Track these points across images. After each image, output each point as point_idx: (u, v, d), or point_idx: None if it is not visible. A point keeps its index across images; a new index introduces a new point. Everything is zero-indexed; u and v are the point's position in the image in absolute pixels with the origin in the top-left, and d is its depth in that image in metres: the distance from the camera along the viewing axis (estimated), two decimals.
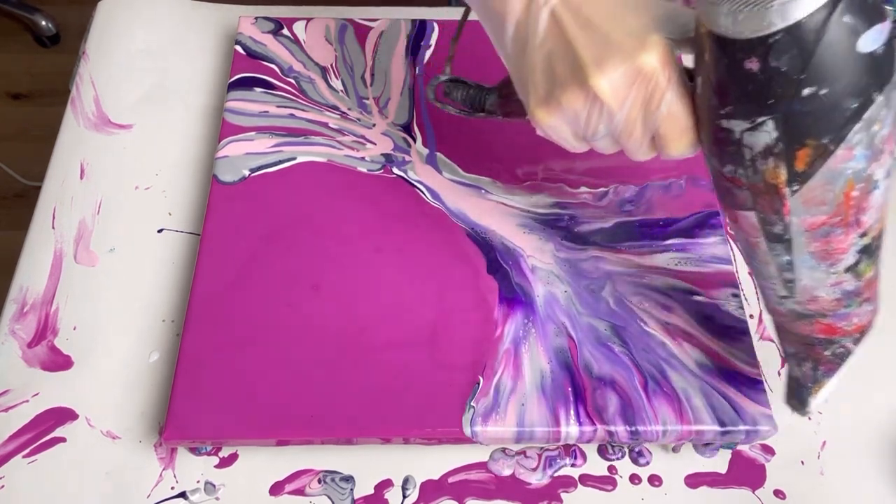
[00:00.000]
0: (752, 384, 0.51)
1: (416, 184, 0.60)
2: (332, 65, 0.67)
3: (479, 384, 0.51)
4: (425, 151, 0.62)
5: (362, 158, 0.61)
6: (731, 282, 0.56)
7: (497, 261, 0.57)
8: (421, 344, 0.53)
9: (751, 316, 0.58)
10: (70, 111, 0.68)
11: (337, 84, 0.65)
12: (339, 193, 0.59)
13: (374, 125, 0.63)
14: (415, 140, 0.63)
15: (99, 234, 0.61)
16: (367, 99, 0.65)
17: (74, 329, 0.57)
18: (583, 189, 0.60)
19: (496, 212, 0.59)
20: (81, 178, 0.64)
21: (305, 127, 0.63)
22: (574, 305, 0.55)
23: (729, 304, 0.55)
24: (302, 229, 0.58)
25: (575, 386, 0.51)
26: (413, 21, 0.69)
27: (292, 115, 0.63)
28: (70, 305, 0.58)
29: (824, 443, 0.54)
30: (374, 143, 0.62)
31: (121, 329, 0.57)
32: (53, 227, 0.61)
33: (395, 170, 0.61)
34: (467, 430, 0.49)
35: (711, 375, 0.52)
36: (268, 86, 0.65)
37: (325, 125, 0.63)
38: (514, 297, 0.55)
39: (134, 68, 0.70)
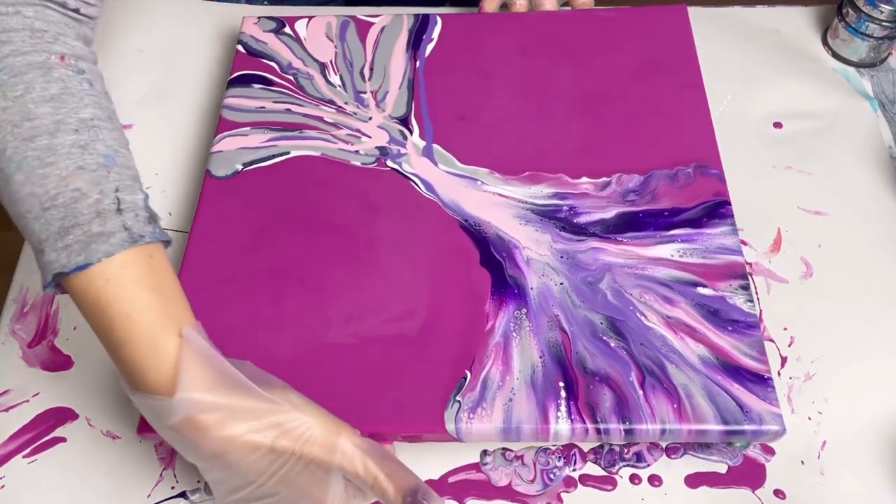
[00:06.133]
0: (759, 380, 0.48)
1: (410, 176, 0.59)
2: (331, 61, 0.66)
3: (465, 378, 0.49)
4: (422, 144, 0.61)
5: (356, 152, 0.60)
6: (740, 273, 0.53)
7: (490, 253, 0.55)
8: (410, 338, 0.51)
9: None
10: None
11: (335, 79, 0.65)
12: (332, 187, 0.58)
13: (370, 118, 0.62)
14: (412, 132, 0.61)
15: None
16: (365, 93, 0.64)
17: (74, 329, 0.57)
18: (584, 179, 0.58)
19: (492, 203, 0.57)
20: None
21: (301, 122, 0.62)
22: (569, 298, 0.52)
23: (737, 296, 0.52)
24: (292, 223, 0.57)
25: (567, 381, 0.49)
26: (416, 15, 0.68)
27: (288, 111, 0.63)
28: (70, 305, 0.58)
29: (824, 443, 0.52)
30: (370, 137, 0.61)
31: None
32: None
33: (389, 162, 0.60)
34: (450, 427, 0.47)
35: (715, 371, 0.49)
36: (266, 82, 0.64)
37: (321, 119, 0.62)
38: (507, 289, 0.53)
39: (134, 68, 0.70)
